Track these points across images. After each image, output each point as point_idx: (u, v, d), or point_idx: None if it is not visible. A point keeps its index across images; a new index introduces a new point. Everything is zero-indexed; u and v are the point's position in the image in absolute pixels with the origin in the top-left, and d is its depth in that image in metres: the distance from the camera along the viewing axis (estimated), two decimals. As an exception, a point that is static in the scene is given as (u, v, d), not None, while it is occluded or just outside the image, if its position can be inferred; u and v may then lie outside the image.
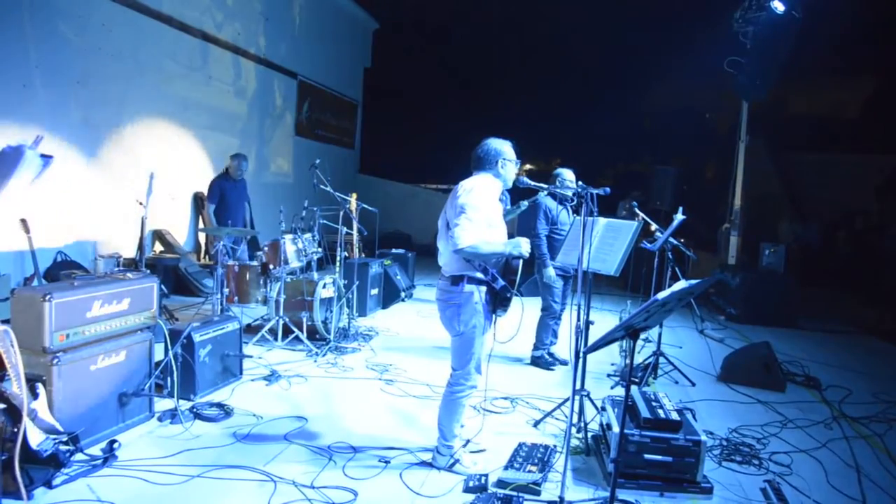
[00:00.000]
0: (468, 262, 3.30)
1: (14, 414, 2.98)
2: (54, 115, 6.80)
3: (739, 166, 10.70)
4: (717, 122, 12.84)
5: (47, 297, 3.27)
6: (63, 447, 3.23)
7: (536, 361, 5.85)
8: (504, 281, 3.32)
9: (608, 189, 3.24)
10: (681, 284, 2.40)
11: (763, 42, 9.54)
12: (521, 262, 3.38)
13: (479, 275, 3.31)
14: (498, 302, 3.38)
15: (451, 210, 3.35)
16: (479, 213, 3.25)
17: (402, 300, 8.45)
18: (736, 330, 8.04)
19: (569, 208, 5.73)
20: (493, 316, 3.46)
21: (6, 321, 3.47)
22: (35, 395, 3.21)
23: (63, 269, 6.67)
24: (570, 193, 5.22)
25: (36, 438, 3.11)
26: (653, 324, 3.00)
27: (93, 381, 3.58)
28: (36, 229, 6.42)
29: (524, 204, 5.65)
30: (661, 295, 2.34)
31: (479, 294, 3.33)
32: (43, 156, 1.99)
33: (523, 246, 3.29)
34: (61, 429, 3.25)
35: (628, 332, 2.61)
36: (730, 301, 8.78)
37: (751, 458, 3.95)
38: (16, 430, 2.96)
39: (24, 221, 6.42)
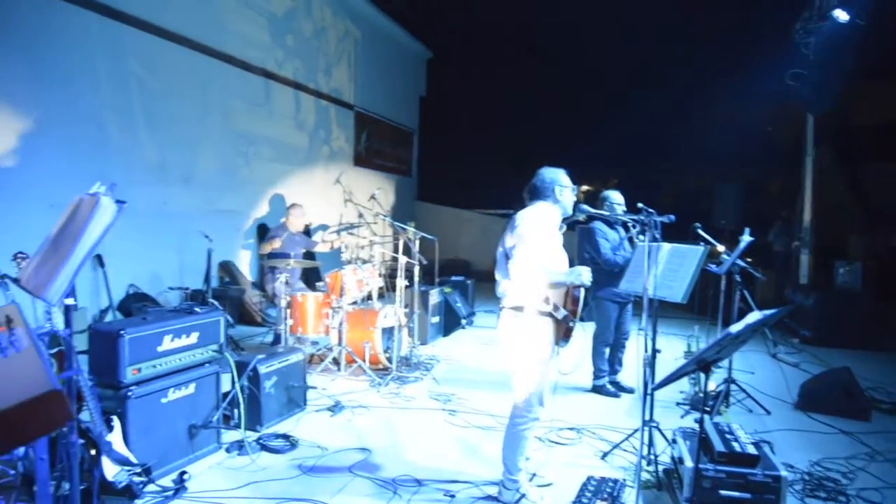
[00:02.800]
0: (529, 293, 3.26)
1: (92, 446, 3.07)
2: (126, 154, 7.12)
3: (807, 181, 10.32)
4: (779, 135, 12.42)
5: (121, 333, 3.38)
6: (136, 478, 3.32)
7: (598, 390, 5.71)
8: (566, 310, 3.26)
9: (673, 217, 3.15)
10: (755, 316, 2.29)
11: (826, 52, 9.22)
12: (582, 290, 3.31)
13: (541, 305, 3.26)
14: (559, 332, 3.32)
15: (510, 240, 3.33)
16: (537, 243, 3.22)
17: (463, 327, 8.41)
18: (812, 353, 7.66)
19: (619, 231, 5.60)
20: (556, 346, 3.39)
21: (83, 352, 3.61)
22: (110, 428, 3.31)
23: (135, 302, 6.92)
24: (627, 221, 5.10)
25: (111, 470, 3.20)
26: (725, 356, 2.89)
27: (164, 414, 3.67)
28: (110, 263, 6.74)
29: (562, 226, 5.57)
30: (735, 328, 2.24)
31: (541, 324, 3.28)
32: (117, 201, 2.05)
33: (584, 275, 3.23)
34: (135, 460, 3.34)
35: (700, 365, 2.51)
36: (803, 323, 8.40)
37: (837, 494, 3.72)
38: (94, 461, 3.06)
39: (98, 257, 6.74)
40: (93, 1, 6.55)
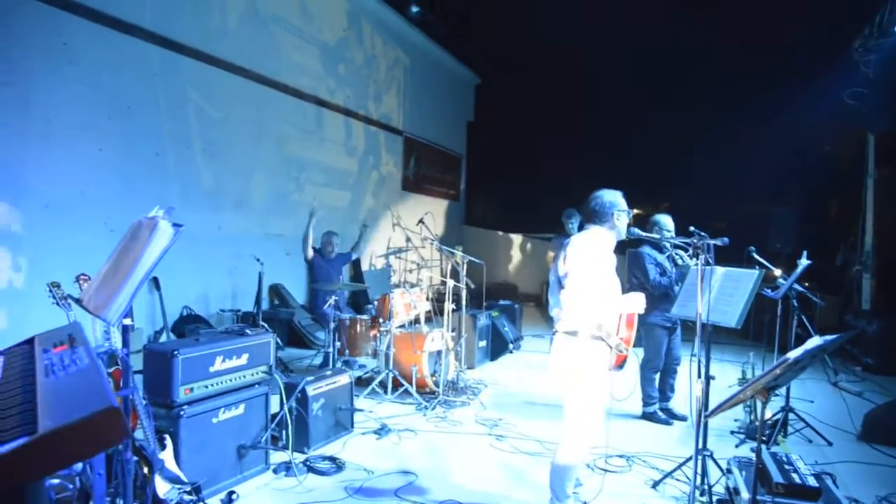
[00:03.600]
0: (583, 320, 3.22)
1: (146, 464, 3.15)
2: (182, 180, 7.38)
3: (869, 202, 9.97)
4: (838, 156, 12.04)
5: (175, 353, 3.48)
6: (187, 497, 3.38)
7: (648, 417, 5.58)
8: (619, 338, 3.21)
9: (727, 239, 3.08)
10: (815, 341, 2.20)
11: (888, 70, 8.95)
12: (635, 316, 3.26)
13: (595, 331, 3.22)
14: (613, 358, 3.27)
15: (563, 267, 3.30)
16: (591, 270, 3.19)
17: (511, 352, 8.35)
18: (875, 382, 7.33)
19: (671, 255, 5.50)
20: (610, 371, 3.34)
21: (138, 372, 3.72)
22: (163, 447, 3.39)
23: (188, 324, 7.12)
24: (685, 255, 5.03)
25: (163, 488, 3.27)
26: (783, 383, 2.79)
27: (214, 434, 3.74)
28: (165, 286, 6.95)
29: None
30: (793, 354, 2.16)
31: (594, 349, 3.23)
32: (175, 225, 2.13)
33: (638, 304, 3.19)
34: (185, 479, 3.41)
35: (756, 392, 2.43)
36: (866, 350, 8.05)
37: (904, 530, 3.54)
38: (147, 479, 3.13)
39: (155, 279, 6.96)
40: (154, 34, 6.86)
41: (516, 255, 15.41)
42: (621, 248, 3.59)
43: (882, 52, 9.04)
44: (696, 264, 3.24)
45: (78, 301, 2.37)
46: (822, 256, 10.60)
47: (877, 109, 9.20)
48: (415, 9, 12.43)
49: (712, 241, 3.01)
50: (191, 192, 7.46)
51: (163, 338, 6.86)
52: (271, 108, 8.80)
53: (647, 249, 5.38)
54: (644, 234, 3.63)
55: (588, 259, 3.22)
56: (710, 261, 3.00)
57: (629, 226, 3.57)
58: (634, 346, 3.75)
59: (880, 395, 6.60)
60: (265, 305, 8.31)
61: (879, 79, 9.08)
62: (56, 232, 5.92)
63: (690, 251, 4.96)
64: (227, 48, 7.92)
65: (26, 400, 1.69)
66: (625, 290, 3.41)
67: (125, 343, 2.38)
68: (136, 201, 6.73)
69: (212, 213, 7.80)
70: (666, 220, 5.31)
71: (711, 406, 3.13)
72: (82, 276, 4.37)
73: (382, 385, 5.94)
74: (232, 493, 3.70)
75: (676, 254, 5.38)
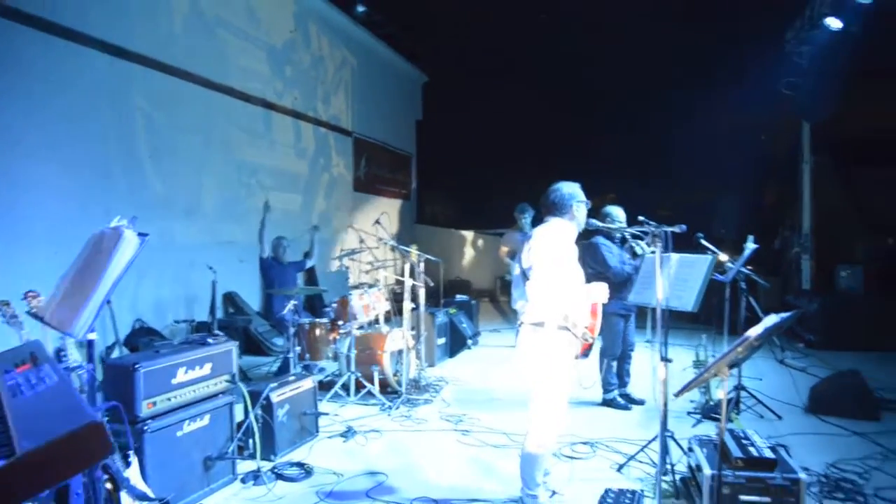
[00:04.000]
0: (548, 310, 3.30)
1: (111, 481, 3.08)
2: (131, 189, 7.18)
3: (805, 188, 10.41)
4: (776, 144, 12.52)
5: (136, 367, 3.40)
6: (155, 513, 3.32)
7: (609, 403, 5.73)
8: (584, 327, 3.30)
9: (685, 226, 3.20)
10: (772, 319, 2.32)
11: (820, 60, 9.34)
12: (599, 305, 3.36)
13: (560, 320, 3.30)
14: (580, 347, 3.35)
15: (528, 261, 3.36)
16: (555, 263, 3.26)
17: (469, 348, 8.42)
18: (818, 357, 7.69)
19: (630, 246, 5.66)
20: (575, 360, 3.42)
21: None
22: (127, 464, 3.31)
23: (141, 337, 6.94)
24: (643, 244, 5.16)
25: (130, 506, 3.20)
26: (743, 360, 2.91)
27: (179, 447, 3.67)
28: (115, 299, 6.75)
29: None
30: (754, 332, 2.27)
31: (560, 339, 3.31)
32: (140, 234, 2.10)
33: (602, 293, 3.28)
34: (153, 495, 3.34)
35: (718, 370, 2.53)
36: (808, 328, 8.43)
37: (854, 494, 3.74)
38: (113, 497, 3.06)
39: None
40: (98, 40, 6.66)
41: (469, 251, 15.53)
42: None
43: (813, 43, 9.43)
44: (654, 252, 3.34)
45: (38, 317, 2.31)
46: (763, 240, 11.02)
47: (810, 98, 9.59)
48: (360, 8, 12.38)
49: (670, 229, 3.12)
50: (140, 201, 7.25)
51: (115, 352, 6.66)
52: (219, 112, 8.64)
53: (601, 240, 5.51)
54: (602, 225, 3.73)
55: (552, 250, 3.30)
56: (669, 248, 3.10)
57: (588, 218, 3.67)
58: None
59: (823, 370, 6.92)
60: (220, 314, 8.17)
61: (812, 69, 9.48)
62: (1, 249, 5.70)
63: (648, 239, 5.12)
64: (172, 53, 7.74)
65: (-4, 421, 1.64)
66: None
67: (90, 358, 2.33)
68: (85, 212, 6.54)
69: (162, 221, 7.62)
70: (617, 212, 5.44)
71: (672, 388, 3.26)
72: (30, 293, 4.23)
73: (345, 387, 5.92)
74: (201, 505, 3.65)
75: (635, 243, 5.52)
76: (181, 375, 3.70)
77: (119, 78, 6.97)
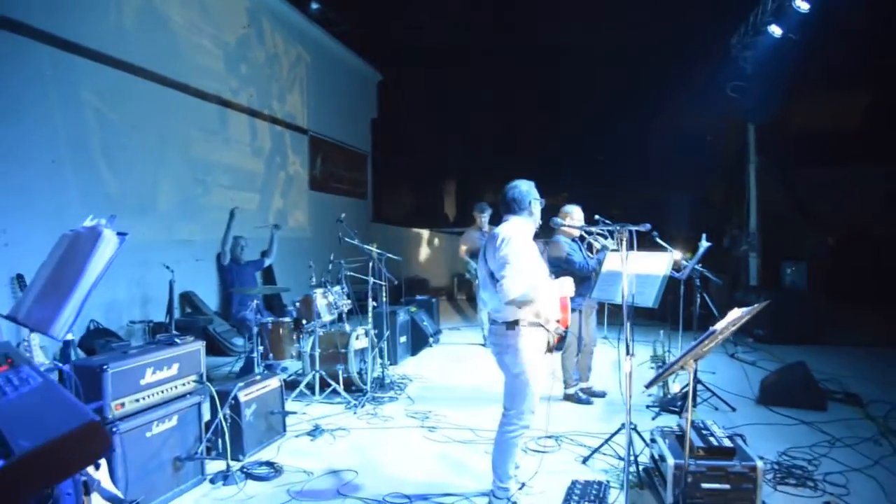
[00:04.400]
0: (520, 308, 3.37)
1: (85, 486, 3.02)
2: (82, 187, 6.98)
3: (752, 187, 10.80)
4: (723, 145, 12.96)
5: (104, 368, 3.34)
6: (125, 516, 3.27)
7: (570, 398, 5.86)
8: (556, 321, 3.39)
9: (649, 225, 3.31)
10: (735, 313, 2.44)
11: (763, 65, 9.73)
12: (567, 299, 3.45)
13: (532, 317, 3.38)
14: (553, 341, 3.44)
15: (493, 261, 3.43)
16: (522, 261, 3.34)
17: (430, 346, 8.47)
18: (766, 351, 8.00)
19: (589, 242, 5.80)
20: (550, 353, 3.51)
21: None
22: (97, 466, 3.25)
23: (97, 338, 6.76)
24: (606, 241, 5.30)
25: (100, 509, 3.15)
26: (707, 353, 3.04)
27: (149, 448, 3.62)
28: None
29: None
30: (719, 325, 2.39)
31: (533, 336, 3.39)
32: (119, 234, 2.08)
33: (568, 286, 3.37)
34: (123, 497, 3.29)
35: (685, 363, 2.65)
36: (757, 322, 8.75)
37: (805, 480, 3.93)
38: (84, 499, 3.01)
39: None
40: (45, 33, 6.46)
41: (425, 250, 15.58)
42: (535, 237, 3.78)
43: (757, 48, 9.82)
44: (616, 249, 3.45)
45: (10, 318, 2.26)
46: (712, 238, 11.40)
47: (755, 101, 9.96)
48: (314, 5, 12.29)
49: (635, 228, 3.22)
50: (92, 200, 7.04)
51: (71, 355, 6.48)
52: (174, 109, 8.46)
53: (562, 238, 5.63)
54: (566, 223, 3.82)
55: (517, 249, 3.37)
56: (634, 246, 3.21)
57: (550, 216, 3.77)
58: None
59: (772, 363, 7.21)
60: (177, 314, 8.02)
61: (756, 73, 9.86)
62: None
63: (611, 237, 5.25)
64: (123, 47, 7.55)
65: (-16, 423, 1.62)
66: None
67: (66, 359, 2.29)
68: (33, 210, 6.35)
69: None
70: (576, 210, 5.58)
71: (632, 382, 3.37)
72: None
73: (310, 386, 5.91)
74: (170, 506, 3.61)
75: (595, 239, 5.66)
76: (149, 376, 3.65)
77: (65, 71, 6.76)
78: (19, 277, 5.73)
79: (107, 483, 3.25)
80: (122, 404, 3.45)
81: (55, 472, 1.41)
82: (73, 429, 1.40)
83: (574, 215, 5.51)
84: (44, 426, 1.46)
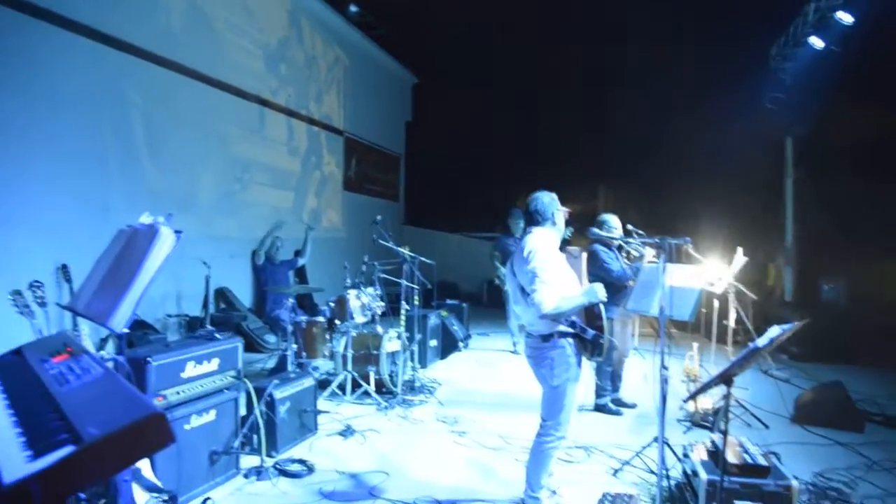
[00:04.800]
0: (555, 320, 3.38)
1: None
2: (125, 182, 7.15)
3: (789, 201, 10.64)
4: (759, 157, 12.79)
5: (147, 360, 3.43)
6: (163, 505, 3.35)
7: (600, 408, 5.83)
8: (593, 329, 3.39)
9: (688, 238, 3.30)
10: (775, 330, 2.43)
11: (803, 77, 9.60)
12: (601, 306, 3.45)
13: (567, 328, 3.39)
14: (591, 349, 3.45)
15: (522, 275, 3.44)
16: (549, 274, 3.35)
17: (460, 350, 8.50)
18: (801, 369, 7.87)
19: (616, 252, 5.78)
20: (591, 360, 3.51)
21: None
22: (139, 456, 3.34)
23: (135, 330, 6.90)
24: (644, 249, 5.27)
25: (141, 497, 3.23)
26: (746, 369, 3.02)
27: (187, 441, 3.70)
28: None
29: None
30: (761, 342, 2.38)
31: (569, 346, 3.41)
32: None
33: (599, 292, 3.37)
34: (162, 486, 3.37)
35: (724, 379, 2.64)
36: (791, 339, 8.60)
37: (841, 503, 3.87)
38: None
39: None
40: (93, 30, 6.64)
41: (455, 254, 15.58)
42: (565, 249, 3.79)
43: (797, 60, 9.68)
44: (655, 262, 3.45)
45: (70, 309, 2.34)
46: (747, 253, 11.24)
47: (793, 114, 9.83)
48: (353, 8, 12.43)
49: (674, 241, 3.21)
50: (135, 194, 7.23)
51: (109, 346, 6.64)
52: (215, 107, 8.66)
53: (598, 247, 5.63)
54: (603, 234, 3.83)
55: (543, 261, 3.39)
56: (674, 259, 3.21)
57: (590, 227, 3.79)
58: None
59: (806, 381, 7.09)
60: (211, 309, 8.16)
61: (795, 85, 9.72)
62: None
63: (641, 248, 5.23)
64: (170, 47, 7.75)
65: (50, 409, 1.68)
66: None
67: (121, 350, 2.37)
68: (78, 203, 6.52)
69: (156, 215, 7.59)
70: (613, 219, 5.57)
71: (665, 396, 3.37)
72: (35, 283, 4.25)
73: (341, 386, 5.97)
74: (207, 499, 3.69)
75: (632, 248, 5.63)
76: (190, 370, 3.73)
77: (113, 69, 6.95)
78: (64, 268, 5.88)
79: (147, 473, 3.35)
80: (164, 396, 3.53)
81: (121, 460, 1.46)
82: (139, 419, 1.45)
83: (610, 224, 5.51)
84: (110, 415, 1.51)
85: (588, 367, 3.61)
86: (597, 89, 13.67)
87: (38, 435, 1.53)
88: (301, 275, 10.08)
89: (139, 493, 3.22)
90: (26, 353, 2.32)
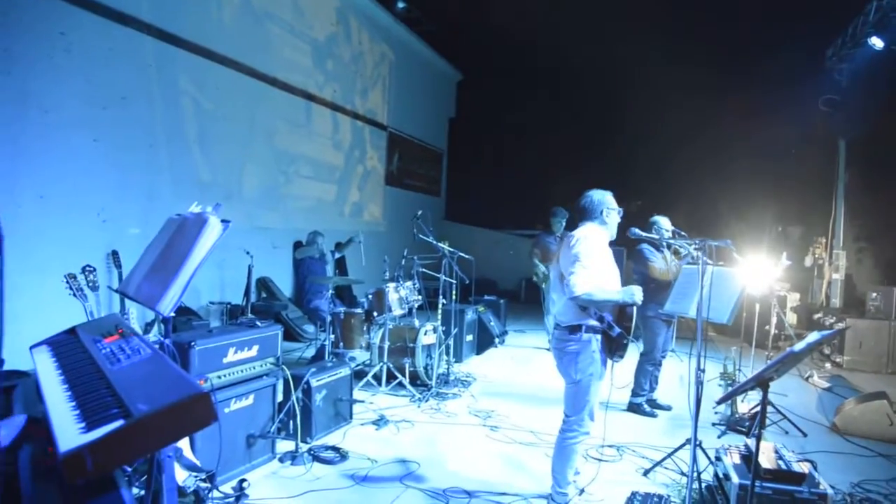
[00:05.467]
0: (584, 311, 3.41)
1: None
2: (174, 172, 7.37)
3: (840, 205, 10.37)
4: (809, 159, 12.48)
5: (192, 345, 3.57)
6: (202, 484, 3.49)
7: (635, 408, 5.81)
8: (620, 328, 3.40)
9: (729, 241, 3.28)
10: (814, 336, 2.41)
11: (860, 78, 9.34)
12: (635, 308, 3.45)
13: (596, 322, 3.41)
14: (614, 348, 3.45)
15: (565, 261, 3.48)
16: (591, 261, 3.38)
17: (496, 346, 8.54)
18: (844, 378, 7.68)
19: (665, 252, 5.75)
20: (609, 362, 3.52)
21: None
22: (181, 436, 3.49)
23: (179, 315, 7.12)
24: (690, 248, 5.23)
25: (181, 475, 3.38)
26: (782, 374, 3.00)
27: (226, 424, 3.81)
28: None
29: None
30: (798, 347, 2.37)
31: (595, 342, 3.43)
32: (223, 221, 2.25)
33: (636, 294, 3.37)
34: (200, 466, 3.51)
35: (759, 383, 2.63)
36: (837, 348, 8.41)
37: (879, 514, 3.80)
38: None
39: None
40: (149, 25, 6.86)
41: (495, 251, 15.58)
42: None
43: (854, 61, 9.42)
44: (694, 264, 3.43)
45: (122, 293, 2.46)
46: (794, 257, 11.00)
47: (848, 116, 9.57)
48: (401, 4, 12.54)
49: (715, 243, 3.20)
50: (182, 184, 7.46)
51: (154, 329, 6.88)
52: (263, 101, 8.87)
53: (645, 247, 5.63)
54: (644, 233, 3.83)
55: (588, 248, 3.42)
56: (718, 263, 3.19)
57: (629, 226, 3.79)
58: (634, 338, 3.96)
59: (849, 390, 6.91)
60: (253, 298, 8.36)
61: (852, 87, 9.46)
62: (49, 223, 5.89)
63: (689, 248, 5.18)
64: (221, 41, 7.96)
65: (102, 386, 1.80)
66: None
67: (167, 334, 2.48)
68: (129, 191, 6.76)
69: (204, 205, 7.81)
70: (664, 221, 5.56)
71: (700, 399, 3.36)
72: (88, 267, 4.44)
73: (377, 377, 6.08)
74: (243, 480, 3.81)
75: (681, 245, 5.60)
76: (231, 355, 3.87)
77: (167, 62, 7.17)
78: (114, 253, 6.12)
79: (187, 452, 3.49)
80: (206, 379, 3.67)
81: (167, 435, 1.55)
82: (185, 397, 1.54)
83: (660, 225, 5.51)
84: (158, 393, 1.61)
85: (627, 364, 3.60)
86: (641, 86, 13.51)
87: (92, 409, 1.64)
88: (341, 266, 10.22)
89: (179, 472, 3.37)
90: (80, 332, 2.46)
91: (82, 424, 1.54)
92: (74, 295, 3.60)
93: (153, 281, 2.27)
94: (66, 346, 2.31)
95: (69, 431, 1.52)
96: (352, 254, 8.99)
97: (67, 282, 3.63)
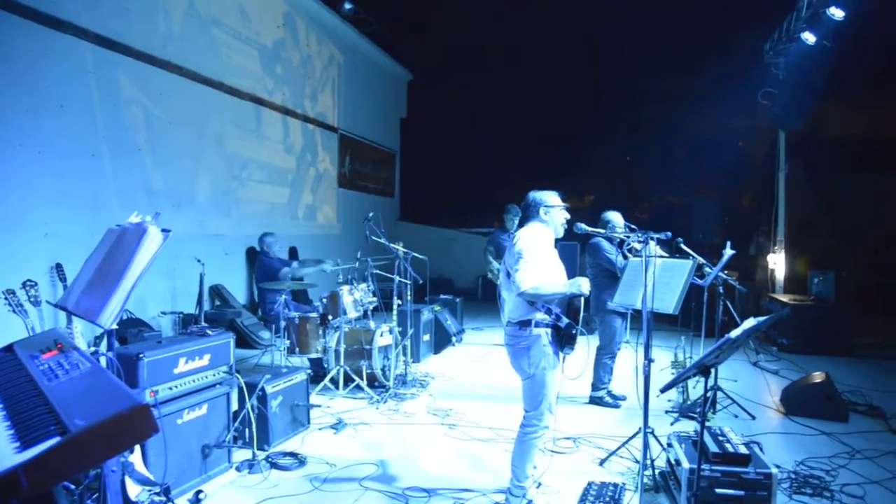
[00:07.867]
0: (532, 306, 3.46)
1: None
2: (119, 181, 7.17)
3: (781, 195, 10.72)
4: (752, 151, 12.87)
5: (140, 356, 3.50)
6: (156, 498, 3.42)
7: (597, 401, 5.90)
8: (568, 319, 3.46)
9: (670, 234, 3.37)
10: (750, 322, 2.50)
11: (796, 72, 9.66)
12: (582, 300, 3.52)
13: (544, 316, 3.47)
14: (564, 340, 3.51)
15: (510, 258, 3.55)
16: (535, 256, 3.46)
17: (453, 345, 8.57)
18: (790, 360, 7.95)
19: (631, 247, 5.85)
20: (561, 354, 3.58)
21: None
22: (131, 451, 3.41)
23: (129, 327, 6.97)
24: (635, 242, 5.34)
25: (133, 491, 3.30)
26: (722, 360, 3.10)
27: (179, 435, 3.77)
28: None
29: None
30: (734, 333, 2.45)
31: (545, 335, 3.48)
32: (163, 230, 2.21)
33: (583, 285, 3.44)
34: (154, 480, 3.44)
35: (700, 370, 2.71)
36: (781, 331, 8.70)
37: (821, 490, 3.95)
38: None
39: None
40: (89, 32, 6.67)
41: (450, 250, 15.63)
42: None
43: (790, 55, 9.75)
44: (640, 256, 3.52)
45: (61, 307, 2.40)
46: (738, 246, 11.32)
47: (786, 109, 9.89)
48: (347, 6, 12.46)
49: (656, 235, 3.28)
50: (130, 193, 7.27)
51: (103, 343, 6.70)
52: (212, 106, 8.71)
53: (601, 241, 5.72)
54: (590, 229, 3.90)
55: (531, 245, 3.51)
56: (665, 253, 3.27)
57: (574, 222, 3.87)
58: (587, 333, 4.04)
59: (795, 373, 7.18)
60: (206, 306, 8.22)
61: (788, 80, 9.79)
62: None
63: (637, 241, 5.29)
64: (166, 47, 7.79)
65: (39, 404, 1.75)
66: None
67: (110, 346, 2.43)
68: (73, 202, 6.57)
69: (152, 213, 7.64)
70: (616, 217, 5.67)
71: (652, 387, 3.44)
72: (28, 282, 4.31)
73: (334, 381, 6.04)
74: (199, 492, 3.76)
75: (628, 239, 5.70)
76: (182, 365, 3.81)
77: (107, 69, 6.96)
78: (58, 267, 5.94)
79: (139, 467, 3.42)
80: (156, 392, 3.60)
81: (106, 449, 1.53)
82: (124, 410, 1.52)
83: (614, 222, 5.62)
84: (96, 407, 1.58)
85: (578, 355, 3.66)
86: (589, 82, 13.75)
87: (27, 427, 1.60)
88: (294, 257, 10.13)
89: (132, 487, 3.29)
90: (17, 349, 2.39)
91: (17, 444, 1.50)
92: (14, 311, 3.49)
93: (92, 294, 2.22)
94: (2, 364, 2.24)
95: (3, 451, 1.48)
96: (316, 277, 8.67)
97: (6, 298, 3.52)
